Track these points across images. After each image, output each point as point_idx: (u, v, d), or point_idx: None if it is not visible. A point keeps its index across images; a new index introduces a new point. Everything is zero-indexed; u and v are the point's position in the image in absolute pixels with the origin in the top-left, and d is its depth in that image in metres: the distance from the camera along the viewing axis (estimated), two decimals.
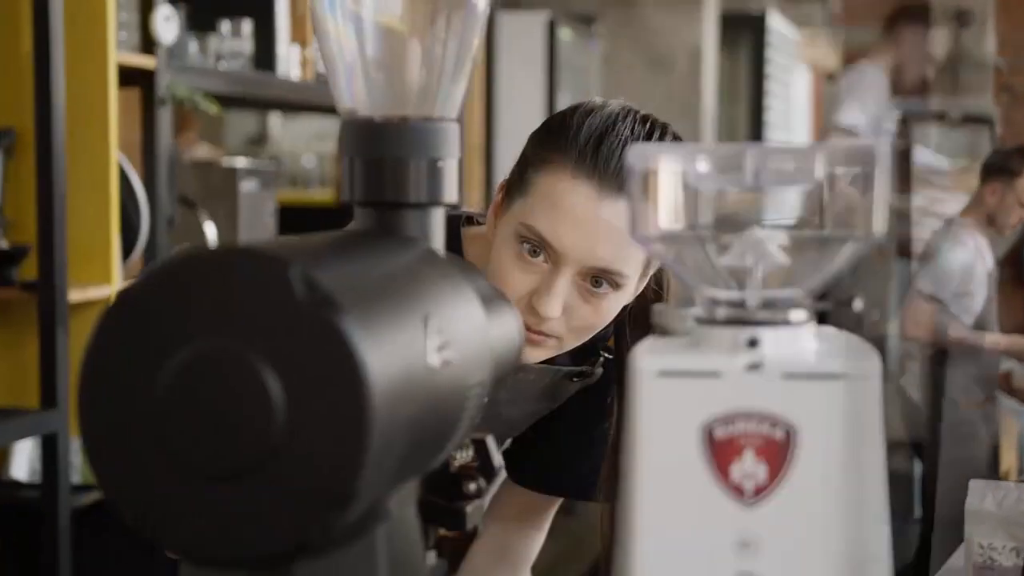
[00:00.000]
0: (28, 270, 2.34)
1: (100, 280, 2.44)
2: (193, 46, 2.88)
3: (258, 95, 3.17)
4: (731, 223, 0.69)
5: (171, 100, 2.63)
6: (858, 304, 0.96)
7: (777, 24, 7.57)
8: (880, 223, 0.65)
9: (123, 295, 0.60)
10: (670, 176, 0.67)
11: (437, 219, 0.76)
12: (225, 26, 3.01)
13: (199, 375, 0.58)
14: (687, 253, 0.68)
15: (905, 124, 4.35)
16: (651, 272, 1.31)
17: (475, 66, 0.80)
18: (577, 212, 1.20)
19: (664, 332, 0.76)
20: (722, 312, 0.67)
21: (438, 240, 0.76)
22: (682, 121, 5.50)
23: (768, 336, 0.65)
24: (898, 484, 4.17)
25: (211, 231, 2.92)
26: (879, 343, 4.28)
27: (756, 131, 7.38)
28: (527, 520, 1.56)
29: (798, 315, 0.67)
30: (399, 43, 0.76)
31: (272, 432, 0.57)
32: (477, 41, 0.79)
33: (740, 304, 0.67)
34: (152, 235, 2.60)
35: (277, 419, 0.57)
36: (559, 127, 1.26)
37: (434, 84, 0.76)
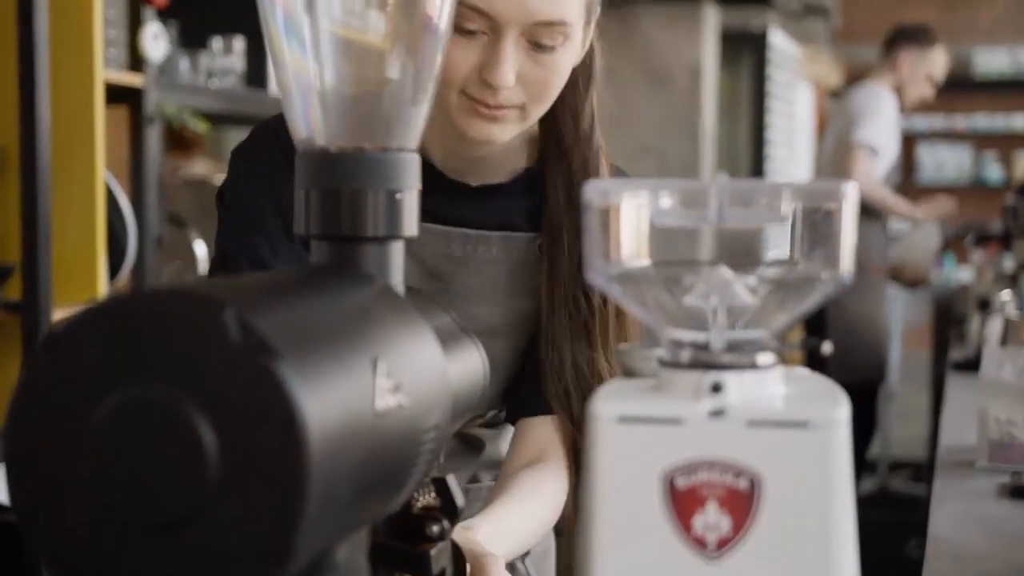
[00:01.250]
0: (12, 290, 2.31)
1: (86, 301, 2.41)
2: (184, 63, 2.85)
3: (249, 113, 3.14)
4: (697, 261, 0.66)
5: (160, 118, 2.60)
6: (827, 347, 0.94)
7: (779, 41, 7.55)
8: (848, 263, 0.62)
9: (53, 336, 0.57)
10: (632, 212, 0.64)
11: (396, 253, 0.73)
12: (216, 43, 2.99)
13: (130, 422, 0.55)
14: (649, 292, 0.65)
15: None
16: (595, 19, 1.27)
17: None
18: None
19: (629, 373, 0.73)
20: (686, 355, 0.64)
21: (397, 275, 0.73)
22: (682, 139, 5.49)
23: (732, 381, 0.62)
24: None
25: (201, 249, 2.89)
26: (879, 364, 4.25)
27: (757, 149, 7.36)
28: (548, 457, 1.31)
29: (765, 358, 0.64)
30: (356, 70, 0.74)
31: (205, 483, 0.54)
32: (438, 65, 0.76)
33: (705, 346, 0.65)
34: (140, 254, 2.58)
35: (210, 469, 0.54)
36: None
37: (392, 113, 0.74)
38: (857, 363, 4.02)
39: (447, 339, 0.75)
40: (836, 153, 4.25)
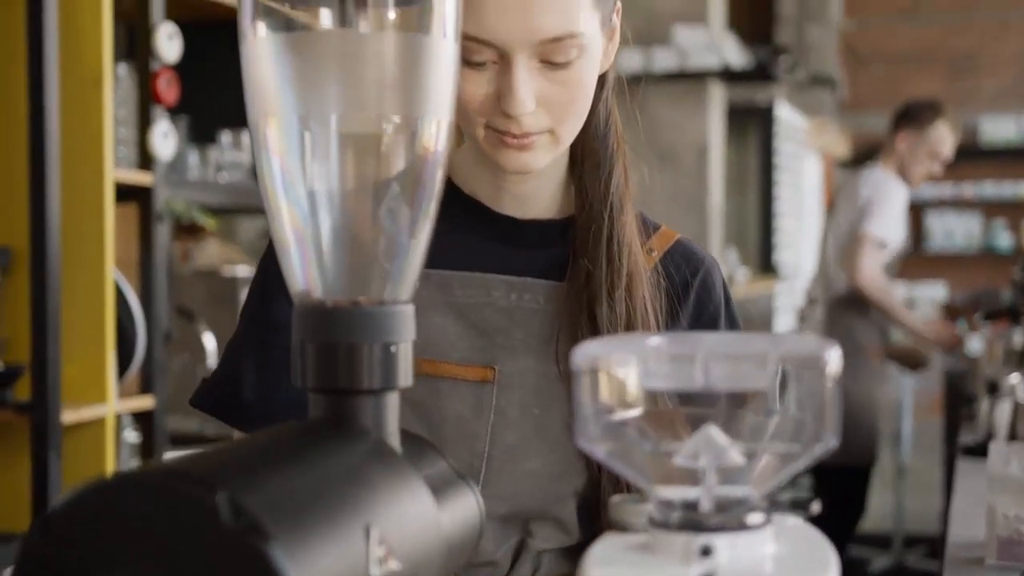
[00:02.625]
0: (22, 390, 2.33)
1: (95, 400, 2.42)
2: (194, 157, 2.89)
3: (258, 204, 3.18)
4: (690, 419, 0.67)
5: (168, 215, 2.63)
6: (816, 507, 0.93)
7: (785, 114, 7.61)
8: (832, 427, 0.63)
9: (47, 517, 0.58)
10: (619, 375, 0.65)
11: (391, 405, 0.74)
12: (226, 137, 3.03)
13: None
14: (637, 453, 0.66)
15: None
16: (615, 16, 1.20)
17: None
18: None
19: (620, 526, 0.73)
20: (675, 516, 0.65)
21: (391, 425, 0.74)
22: (690, 216, 5.52)
23: (722, 543, 0.63)
24: None
25: (210, 342, 2.91)
26: (871, 447, 4.21)
27: (766, 221, 7.39)
28: None
29: (755, 518, 0.64)
30: (352, 225, 0.75)
31: None
32: (436, 196, 0.77)
33: (694, 505, 0.65)
34: (149, 350, 2.59)
35: None
36: None
37: (388, 265, 0.75)
38: (850, 446, 4.01)
39: (441, 487, 0.76)
40: (846, 243, 4.23)
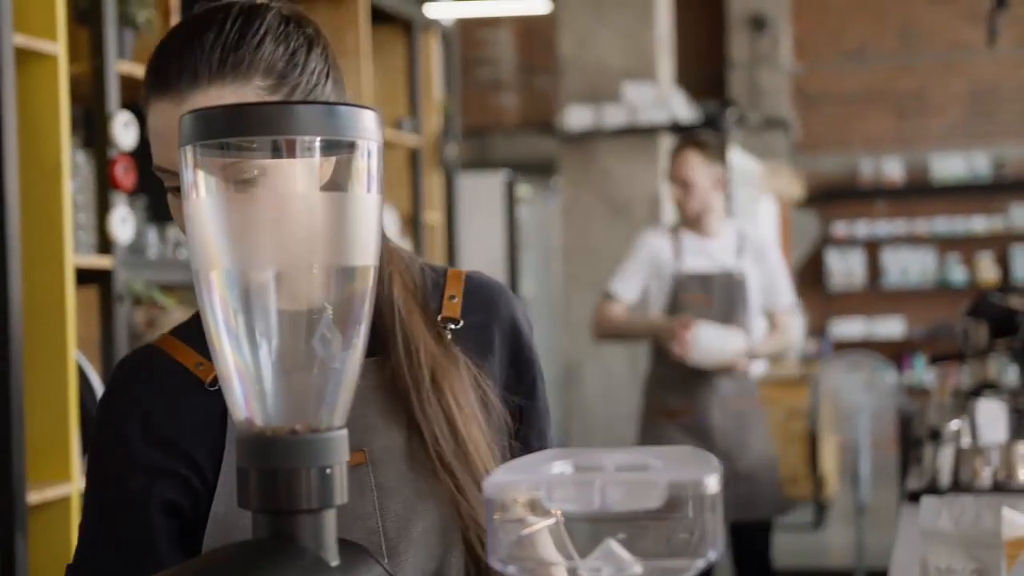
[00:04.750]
0: None
1: (59, 479, 2.48)
2: (153, 236, 2.96)
3: None
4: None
5: (128, 296, 2.70)
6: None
7: (738, 159, 7.73)
8: (713, 543, 0.71)
9: None
10: (525, 500, 0.73)
11: (329, 521, 0.82)
12: None
13: None
14: (544, 567, 0.74)
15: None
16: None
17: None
18: (170, 131, 1.16)
19: None
20: None
21: (330, 539, 0.82)
22: None
23: None
24: None
25: None
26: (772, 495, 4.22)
27: None
28: None
29: None
30: (288, 360, 0.83)
31: None
32: (362, 346, 0.85)
33: None
34: None
35: None
36: None
37: (323, 395, 0.83)
38: (750, 503, 4.03)
39: None
40: None
